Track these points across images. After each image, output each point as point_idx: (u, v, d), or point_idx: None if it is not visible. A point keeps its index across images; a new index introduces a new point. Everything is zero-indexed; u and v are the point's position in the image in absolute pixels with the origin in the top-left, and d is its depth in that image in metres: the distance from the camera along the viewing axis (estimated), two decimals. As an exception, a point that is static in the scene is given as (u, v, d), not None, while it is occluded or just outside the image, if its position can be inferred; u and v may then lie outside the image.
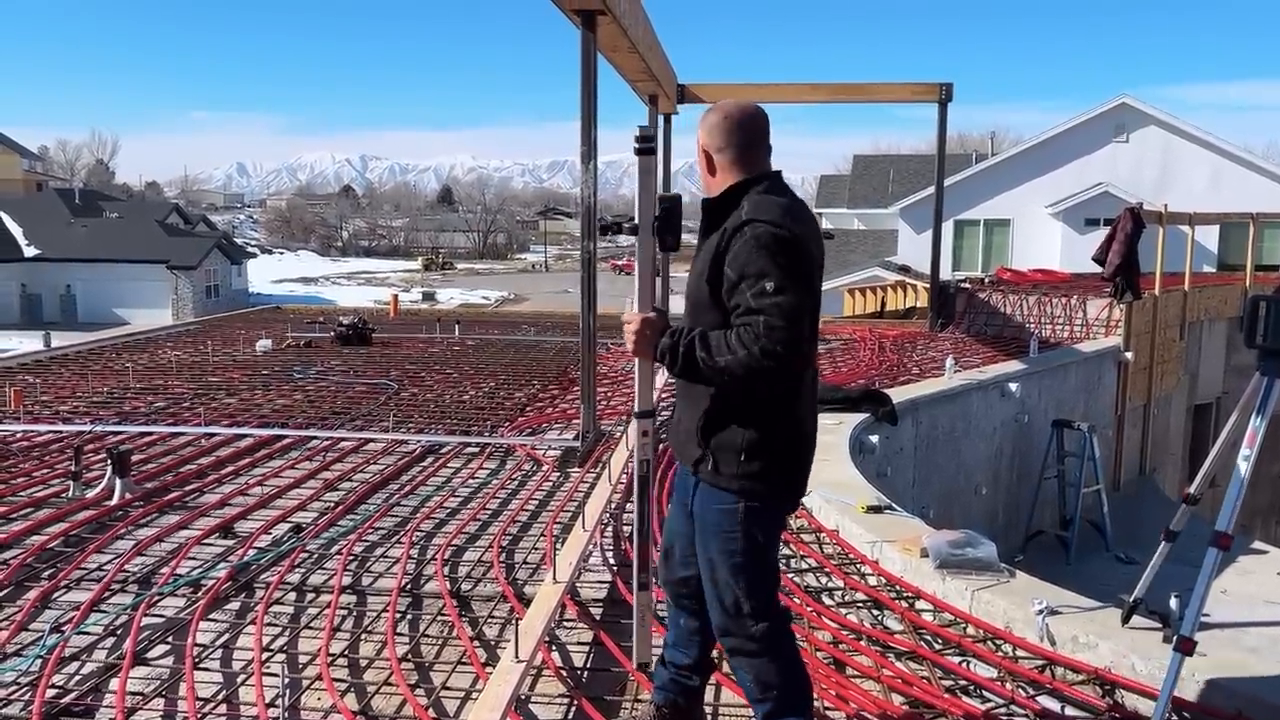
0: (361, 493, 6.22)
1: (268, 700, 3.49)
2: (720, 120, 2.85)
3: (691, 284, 2.85)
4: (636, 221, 2.77)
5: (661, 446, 5.48)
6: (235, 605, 4.45)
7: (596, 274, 7.17)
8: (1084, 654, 3.74)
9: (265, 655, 3.88)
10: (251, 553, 5.04)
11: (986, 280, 17.48)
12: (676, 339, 2.77)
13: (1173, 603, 3.59)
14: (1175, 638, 3.19)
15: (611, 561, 4.95)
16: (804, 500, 5.90)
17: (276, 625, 4.24)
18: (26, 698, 3.55)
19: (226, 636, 4.11)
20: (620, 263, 60.26)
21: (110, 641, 4.07)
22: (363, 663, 3.90)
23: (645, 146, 2.65)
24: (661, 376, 4.76)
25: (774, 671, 2.84)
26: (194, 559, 5.00)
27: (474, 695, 3.58)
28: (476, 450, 7.43)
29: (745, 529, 2.80)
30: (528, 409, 9.01)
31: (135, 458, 6.69)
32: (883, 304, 21.23)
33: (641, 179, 2.67)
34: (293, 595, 4.58)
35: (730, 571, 2.82)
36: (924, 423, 9.21)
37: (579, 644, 4.09)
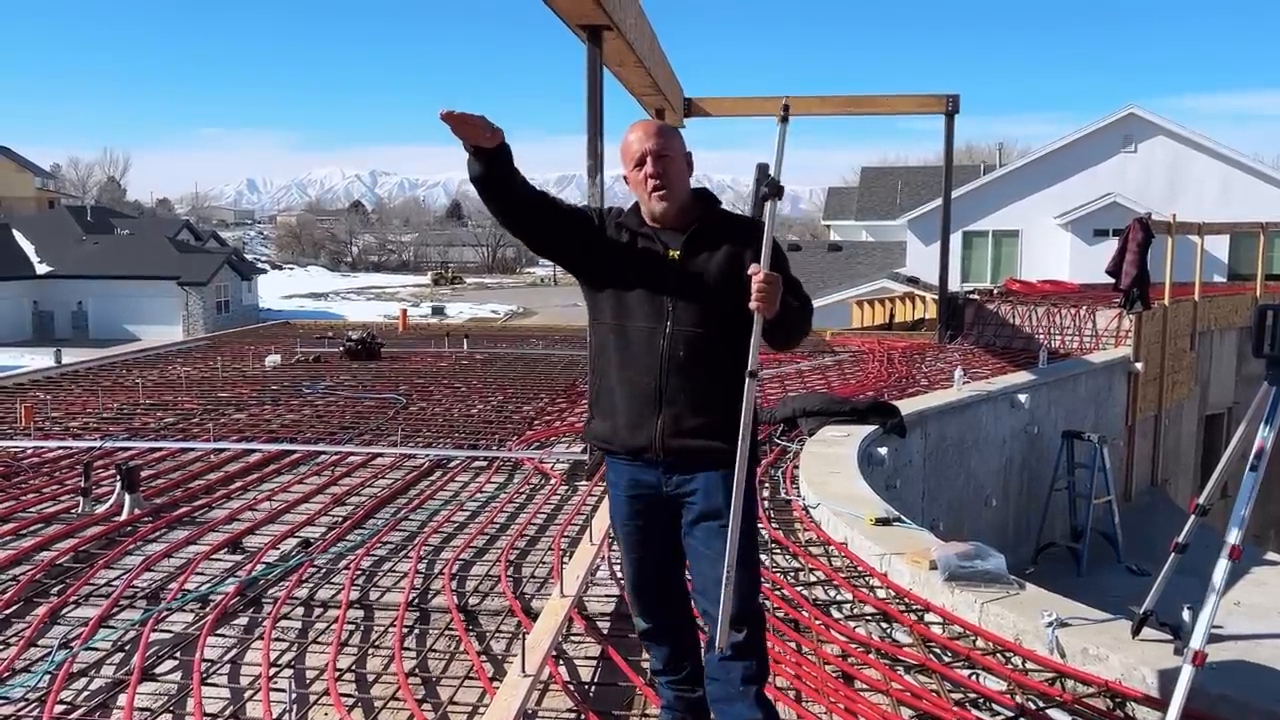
0: (369, 507, 6.23)
1: (275, 716, 3.48)
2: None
3: (714, 273, 2.93)
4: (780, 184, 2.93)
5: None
6: (243, 620, 4.45)
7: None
8: (1094, 666, 3.71)
9: (273, 670, 3.88)
10: (259, 568, 5.04)
11: (995, 291, 17.45)
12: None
13: (1185, 615, 3.56)
14: (1186, 650, 3.16)
15: (619, 575, 4.93)
16: (812, 512, 5.93)
17: (284, 640, 4.24)
18: (35, 714, 3.55)
19: (234, 652, 4.11)
20: None
21: (119, 657, 4.07)
22: (370, 677, 3.90)
23: (786, 115, 2.91)
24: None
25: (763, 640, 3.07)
26: (202, 574, 5.00)
27: (481, 710, 3.57)
28: (484, 464, 7.43)
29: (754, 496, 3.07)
30: (535, 423, 9.02)
31: (144, 473, 6.71)
32: (891, 316, 21.21)
33: (781, 145, 2.90)
34: (300, 610, 4.58)
35: (752, 538, 2.99)
36: (933, 435, 9.18)
37: (586, 658, 4.08)
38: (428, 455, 7.64)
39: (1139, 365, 12.76)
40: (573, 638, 4.25)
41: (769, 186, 2.82)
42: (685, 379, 2.92)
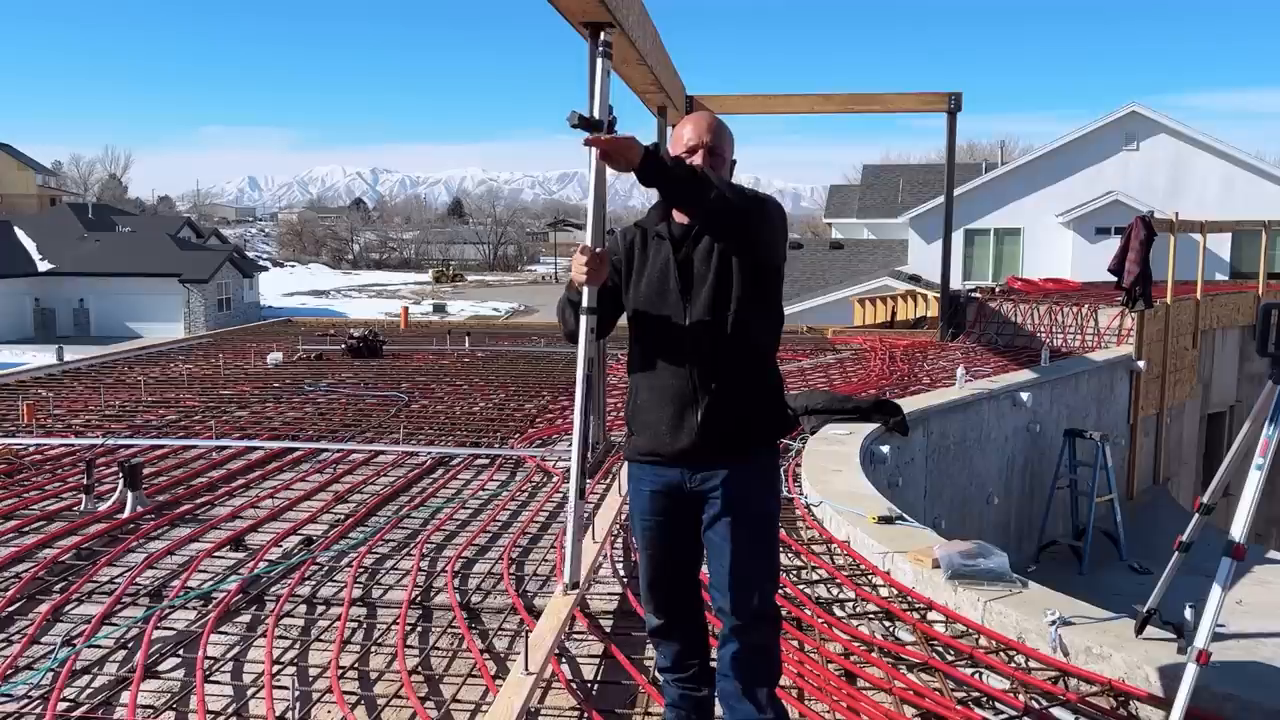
0: (372, 505, 6.23)
1: (278, 713, 3.49)
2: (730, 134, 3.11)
3: (717, 259, 2.96)
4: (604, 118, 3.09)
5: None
6: (246, 618, 4.45)
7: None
8: (1097, 665, 3.71)
9: (275, 668, 3.88)
10: (262, 565, 5.04)
11: (997, 289, 17.44)
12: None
13: (1188, 613, 3.56)
14: (1190, 649, 3.16)
15: (621, 573, 4.94)
16: (815, 510, 5.93)
17: (287, 638, 4.24)
18: (38, 711, 3.55)
19: (237, 649, 4.11)
20: None
21: (121, 655, 4.07)
22: (373, 675, 3.90)
23: (608, 50, 3.09)
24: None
25: (777, 639, 3.07)
26: (205, 572, 5.00)
27: (484, 708, 3.57)
28: (487, 462, 7.43)
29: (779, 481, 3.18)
30: (538, 420, 9.01)
31: (147, 471, 6.71)
32: (893, 314, 21.18)
33: (596, 78, 3.09)
34: (303, 608, 4.58)
35: (774, 535, 3.04)
36: (935, 433, 9.18)
37: (589, 656, 4.08)
38: (430, 453, 7.64)
39: (1141, 363, 12.75)
40: (575, 636, 4.25)
41: (587, 125, 2.92)
42: (715, 370, 2.94)
